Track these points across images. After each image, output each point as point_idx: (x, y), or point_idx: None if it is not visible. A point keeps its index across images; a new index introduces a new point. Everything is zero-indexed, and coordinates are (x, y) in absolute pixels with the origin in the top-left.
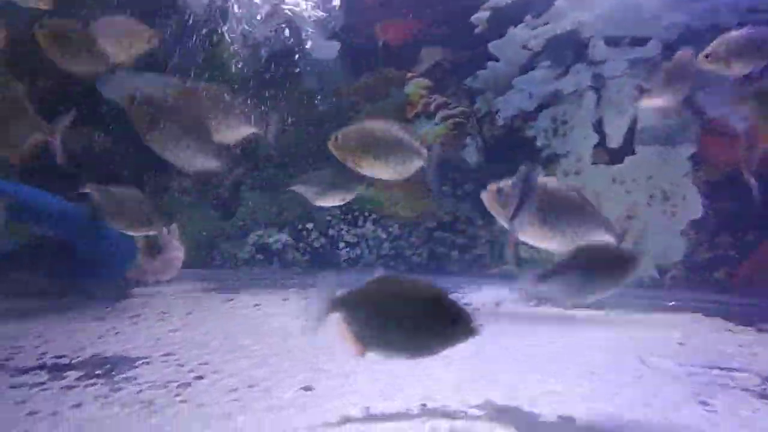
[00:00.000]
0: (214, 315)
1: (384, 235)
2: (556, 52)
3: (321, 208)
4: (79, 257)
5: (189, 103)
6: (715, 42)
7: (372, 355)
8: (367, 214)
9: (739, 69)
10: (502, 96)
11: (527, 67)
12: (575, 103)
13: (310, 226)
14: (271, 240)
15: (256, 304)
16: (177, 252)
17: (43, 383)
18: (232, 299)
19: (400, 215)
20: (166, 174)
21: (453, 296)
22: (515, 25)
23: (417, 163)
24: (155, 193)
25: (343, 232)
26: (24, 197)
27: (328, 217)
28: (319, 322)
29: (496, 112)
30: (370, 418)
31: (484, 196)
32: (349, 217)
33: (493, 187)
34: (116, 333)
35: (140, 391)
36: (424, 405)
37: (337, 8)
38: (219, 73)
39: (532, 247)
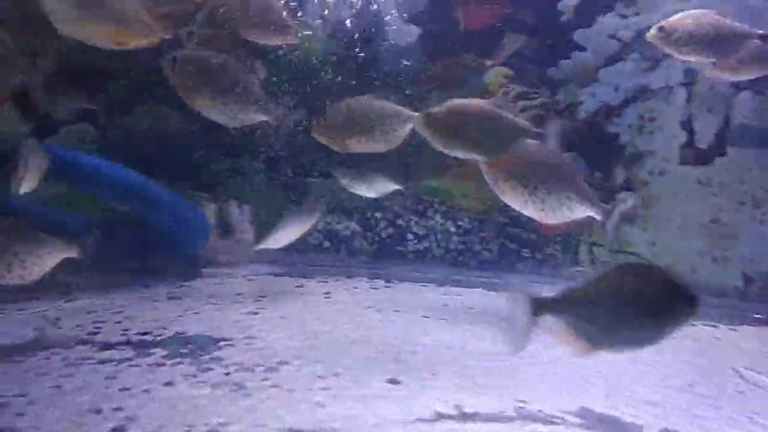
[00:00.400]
0: (287, 300)
1: (453, 229)
2: (647, 44)
3: (388, 197)
4: (153, 233)
5: (229, 62)
6: None
7: (467, 349)
8: (436, 205)
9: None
10: (586, 88)
11: (615, 59)
12: (664, 99)
13: (378, 215)
14: (339, 227)
15: (327, 293)
16: (247, 233)
17: (130, 359)
18: (302, 285)
19: (471, 208)
20: (237, 155)
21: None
22: (604, 14)
23: (407, 127)
24: (226, 175)
25: (411, 224)
26: (101, 171)
27: (397, 207)
28: (528, 330)
29: (579, 105)
30: (464, 416)
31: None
32: (419, 208)
33: None
34: (195, 312)
35: (228, 373)
36: (520, 407)
37: None
38: (297, 54)
39: (610, 249)
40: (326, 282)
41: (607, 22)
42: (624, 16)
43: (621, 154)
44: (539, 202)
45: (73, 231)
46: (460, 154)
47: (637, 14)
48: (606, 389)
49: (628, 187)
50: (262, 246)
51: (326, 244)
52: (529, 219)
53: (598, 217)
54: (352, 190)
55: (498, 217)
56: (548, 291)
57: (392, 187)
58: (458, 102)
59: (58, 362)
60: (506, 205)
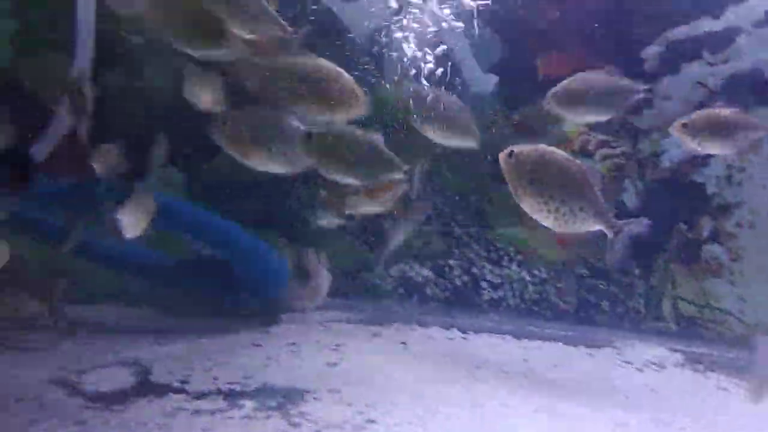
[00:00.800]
0: (367, 350)
1: (529, 278)
2: (736, 92)
3: (464, 244)
4: (235, 277)
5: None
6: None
7: (547, 411)
8: (512, 254)
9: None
10: (671, 137)
11: (701, 108)
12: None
13: (452, 262)
14: (413, 274)
15: (403, 342)
16: (324, 279)
17: (222, 410)
18: (377, 334)
19: (548, 258)
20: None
21: (604, 354)
22: (690, 62)
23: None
24: (306, 220)
25: (485, 272)
26: (187, 214)
27: (471, 255)
28: None
29: (662, 155)
30: None
31: None
32: (494, 256)
33: None
34: (278, 362)
35: (318, 430)
36: None
37: (497, 40)
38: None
39: (692, 303)
40: (401, 330)
41: (694, 69)
42: (711, 64)
43: (707, 205)
44: (553, 212)
45: (156, 269)
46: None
47: (725, 62)
48: None
49: (715, 238)
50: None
51: (399, 290)
52: (607, 270)
53: (609, 233)
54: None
55: (577, 268)
56: (627, 347)
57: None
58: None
59: (156, 412)
60: (587, 257)
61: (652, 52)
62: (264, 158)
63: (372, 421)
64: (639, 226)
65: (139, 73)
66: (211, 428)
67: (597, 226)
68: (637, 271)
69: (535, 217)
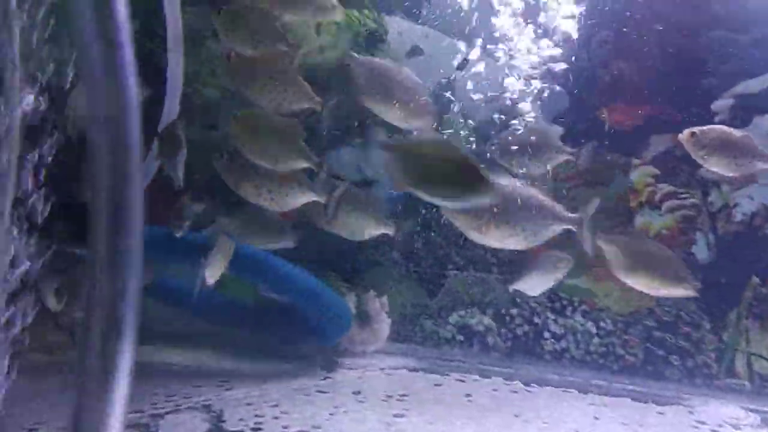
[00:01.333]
0: (430, 401)
1: (594, 329)
2: None
3: (525, 294)
4: (300, 321)
5: None
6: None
7: None
8: (576, 304)
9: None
10: (743, 189)
11: None
12: None
13: (514, 311)
14: (473, 321)
15: (467, 395)
16: (384, 324)
17: None
18: (440, 384)
19: (614, 309)
20: (377, 247)
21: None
22: (762, 115)
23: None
24: (366, 265)
25: (549, 321)
26: (254, 258)
27: (534, 304)
28: None
29: (734, 207)
30: None
31: None
32: (557, 305)
33: None
34: (345, 411)
35: None
36: None
37: (563, 92)
38: None
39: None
40: (463, 381)
41: (765, 122)
42: None
43: None
44: (521, 235)
45: (221, 312)
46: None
47: None
48: None
49: None
50: (516, 287)
51: (459, 338)
52: (677, 323)
53: (574, 228)
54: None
55: (645, 321)
56: (700, 405)
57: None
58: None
59: None
60: (655, 309)
61: (722, 104)
62: None
63: None
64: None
65: (213, 126)
66: None
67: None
68: (708, 325)
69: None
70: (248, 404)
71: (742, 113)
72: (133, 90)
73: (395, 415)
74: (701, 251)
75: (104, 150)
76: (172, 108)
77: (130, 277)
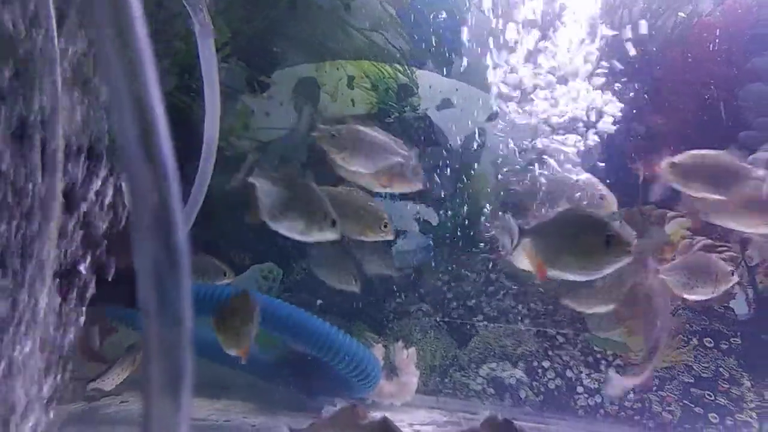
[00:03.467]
0: None
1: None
2: None
3: (558, 347)
4: (327, 375)
5: None
6: None
7: None
8: (610, 358)
9: None
10: None
11: None
12: None
13: (546, 364)
14: (504, 374)
15: None
16: (412, 376)
17: None
18: None
19: None
20: (405, 296)
21: None
22: None
23: None
24: (394, 316)
25: (582, 375)
26: (282, 312)
27: (567, 357)
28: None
29: None
30: None
31: None
32: (590, 359)
33: None
34: None
35: None
36: None
37: (596, 144)
38: (470, 203)
39: None
40: None
41: None
42: None
43: None
44: None
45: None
46: None
47: None
48: None
49: None
50: None
51: (490, 390)
52: (716, 379)
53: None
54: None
55: (682, 377)
56: None
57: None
58: None
59: None
60: (692, 364)
61: (760, 157)
62: None
63: None
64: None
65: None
66: None
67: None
68: (749, 383)
69: None
70: None
71: None
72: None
73: None
74: (740, 306)
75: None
76: (207, 162)
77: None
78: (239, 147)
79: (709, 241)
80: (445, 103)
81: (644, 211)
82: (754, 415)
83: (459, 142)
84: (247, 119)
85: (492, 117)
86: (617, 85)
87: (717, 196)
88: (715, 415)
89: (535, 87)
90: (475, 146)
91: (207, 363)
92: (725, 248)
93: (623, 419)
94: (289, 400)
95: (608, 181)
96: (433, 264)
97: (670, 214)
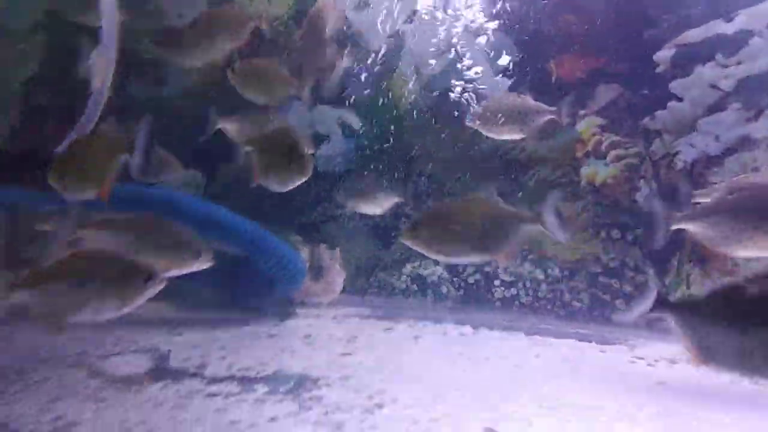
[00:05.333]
0: (379, 342)
1: (542, 276)
2: (750, 93)
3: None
4: (255, 274)
5: None
6: None
7: (563, 402)
8: (525, 253)
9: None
10: (683, 138)
11: (714, 109)
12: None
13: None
14: (426, 272)
15: (416, 336)
16: (338, 276)
17: (236, 394)
18: (390, 328)
19: (561, 257)
20: (330, 201)
21: (617, 351)
22: (703, 64)
23: None
24: (320, 220)
25: (499, 270)
26: (210, 214)
27: None
28: None
29: (675, 155)
30: None
31: None
32: None
33: None
34: (292, 351)
35: (327, 413)
36: None
37: (510, 45)
38: (389, 106)
39: None
40: (414, 326)
41: (707, 72)
42: (725, 66)
43: None
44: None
45: None
46: None
47: (739, 63)
48: None
49: None
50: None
51: (413, 288)
52: (622, 268)
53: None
54: (359, 210)
55: (591, 267)
56: (640, 345)
57: (395, 199)
58: None
59: (172, 394)
60: (600, 256)
61: (664, 55)
62: None
63: (380, 406)
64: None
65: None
66: (224, 409)
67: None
68: (651, 271)
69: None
70: (195, 347)
71: (684, 63)
72: None
73: (342, 354)
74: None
75: None
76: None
77: None
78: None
79: (617, 138)
80: (362, 4)
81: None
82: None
83: (379, 45)
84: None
85: (410, 18)
86: None
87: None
88: (621, 302)
89: None
90: (393, 48)
91: None
92: (631, 144)
93: (537, 309)
94: (214, 299)
95: (525, 79)
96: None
97: (581, 112)
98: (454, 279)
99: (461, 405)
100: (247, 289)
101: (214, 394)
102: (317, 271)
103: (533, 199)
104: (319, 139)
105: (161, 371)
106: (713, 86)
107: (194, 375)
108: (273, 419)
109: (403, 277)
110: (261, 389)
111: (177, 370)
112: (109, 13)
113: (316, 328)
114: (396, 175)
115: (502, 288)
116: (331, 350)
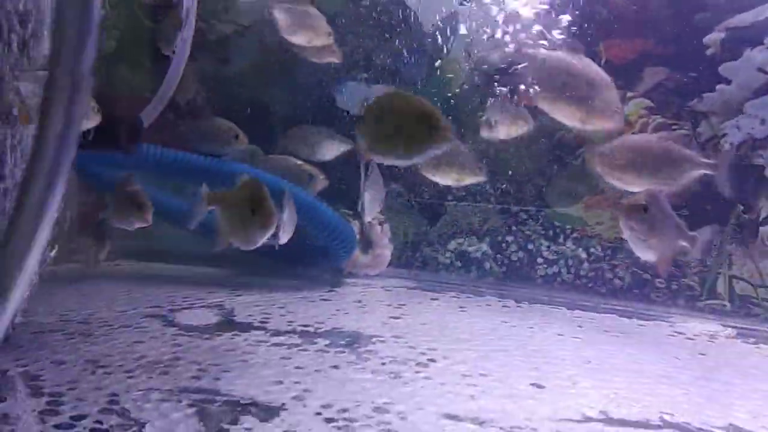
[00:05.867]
0: (426, 309)
1: (584, 255)
2: None
3: (521, 222)
4: (308, 244)
5: None
6: None
7: (605, 365)
8: (568, 231)
9: None
10: (730, 121)
11: (762, 92)
12: None
13: (509, 238)
14: (470, 248)
15: (461, 307)
16: (386, 249)
17: (299, 345)
18: (436, 299)
19: (604, 236)
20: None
21: (657, 325)
22: (752, 48)
23: None
24: None
25: (542, 248)
26: (274, 188)
27: (529, 232)
28: None
29: (722, 137)
30: (610, 421)
31: None
32: (550, 233)
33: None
34: (346, 313)
35: (384, 363)
36: (666, 418)
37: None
38: (443, 87)
39: (746, 282)
40: (458, 298)
41: (756, 55)
42: None
43: (766, 187)
44: None
45: None
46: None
47: None
48: (752, 408)
49: None
50: None
51: (457, 263)
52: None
53: None
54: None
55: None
56: (680, 322)
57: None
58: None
59: (240, 342)
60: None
61: (714, 37)
62: None
63: (433, 360)
64: None
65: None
66: (289, 356)
67: None
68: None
69: None
70: (256, 305)
71: (734, 46)
72: None
73: (391, 317)
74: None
75: None
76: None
77: None
78: (220, 30)
79: (664, 120)
80: None
81: None
82: (696, 279)
83: (432, 26)
84: (228, 2)
85: (464, 1)
86: None
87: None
88: (662, 280)
89: None
90: (448, 30)
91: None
92: (678, 126)
93: (578, 286)
94: (269, 266)
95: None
96: None
97: (629, 94)
98: (497, 256)
99: (508, 364)
100: (301, 258)
101: (278, 344)
102: (366, 244)
103: (579, 179)
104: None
105: (229, 323)
106: (761, 70)
107: (258, 328)
108: (335, 366)
109: (448, 253)
110: (321, 342)
111: (243, 323)
112: None
113: (366, 295)
114: None
115: (545, 265)
116: (382, 313)
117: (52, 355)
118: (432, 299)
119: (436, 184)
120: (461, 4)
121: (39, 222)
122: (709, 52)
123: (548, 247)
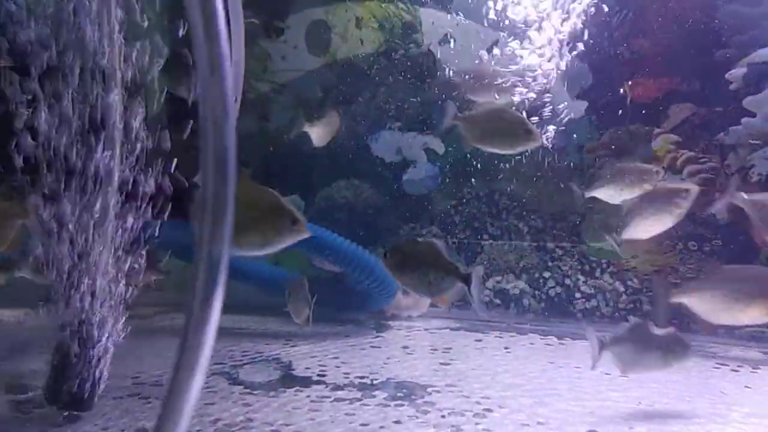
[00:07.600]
0: (473, 352)
1: (622, 288)
2: None
3: (557, 258)
4: (351, 289)
5: None
6: None
7: (657, 406)
8: (604, 266)
9: None
10: (758, 152)
11: None
12: None
13: (546, 274)
14: (508, 286)
15: (506, 347)
16: None
17: (359, 399)
18: (480, 340)
19: (640, 268)
20: (417, 220)
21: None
22: None
23: None
24: (409, 238)
25: (579, 283)
26: (317, 235)
27: (565, 267)
28: None
29: (750, 168)
30: None
31: None
32: (586, 268)
33: None
34: (397, 361)
35: (444, 416)
36: None
37: (586, 68)
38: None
39: None
40: (502, 337)
41: None
42: None
43: None
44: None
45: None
46: None
47: None
48: None
49: None
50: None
51: (496, 301)
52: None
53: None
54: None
55: (669, 278)
56: (722, 352)
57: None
58: None
59: (304, 398)
60: (678, 266)
61: (737, 73)
62: None
63: (489, 410)
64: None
65: (266, 118)
66: (353, 413)
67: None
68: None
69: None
70: (312, 357)
71: (756, 80)
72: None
73: (441, 363)
74: (720, 211)
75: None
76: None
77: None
78: (259, 89)
79: (692, 154)
80: (447, 38)
81: (631, 130)
82: None
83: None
84: (266, 63)
85: (490, 49)
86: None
87: None
88: None
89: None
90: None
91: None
92: (706, 159)
93: (617, 319)
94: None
95: (598, 103)
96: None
97: (657, 131)
98: (536, 292)
99: (562, 410)
100: (345, 304)
101: (340, 399)
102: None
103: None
104: (405, 164)
105: (290, 378)
106: None
107: (318, 382)
108: (398, 422)
109: (486, 291)
110: (380, 395)
111: (303, 378)
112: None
113: (412, 339)
114: (480, 193)
115: (583, 300)
116: (432, 360)
117: (135, 423)
118: (476, 340)
119: (471, 225)
120: (488, 51)
121: None
122: (732, 86)
123: (585, 281)
